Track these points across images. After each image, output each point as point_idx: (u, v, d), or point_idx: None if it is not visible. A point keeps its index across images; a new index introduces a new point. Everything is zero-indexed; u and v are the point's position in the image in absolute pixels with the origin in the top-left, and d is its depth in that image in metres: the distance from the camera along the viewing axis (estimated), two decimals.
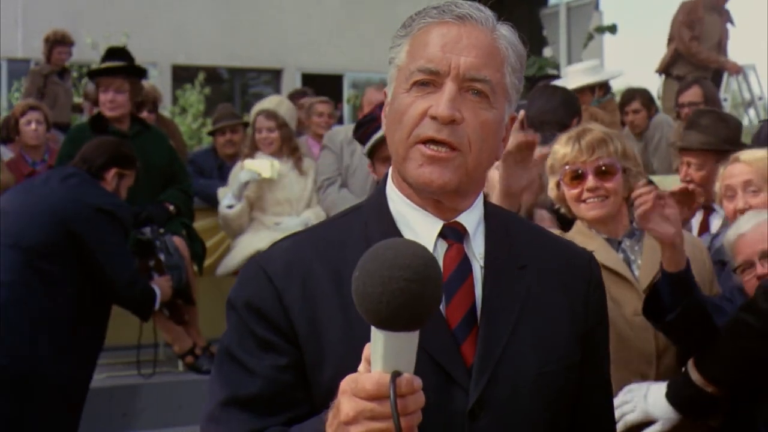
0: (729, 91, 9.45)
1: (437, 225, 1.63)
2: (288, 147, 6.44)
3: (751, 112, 10.21)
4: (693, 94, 7.03)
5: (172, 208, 6.10)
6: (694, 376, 2.82)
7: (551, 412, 1.63)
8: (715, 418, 2.91)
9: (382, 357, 1.31)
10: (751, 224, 3.06)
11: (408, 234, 1.62)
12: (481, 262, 1.64)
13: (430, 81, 1.59)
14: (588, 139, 3.04)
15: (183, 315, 6.04)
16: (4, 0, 14.92)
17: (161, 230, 5.91)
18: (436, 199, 1.62)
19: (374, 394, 1.31)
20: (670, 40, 9.20)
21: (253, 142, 6.49)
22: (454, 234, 1.64)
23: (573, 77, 7.21)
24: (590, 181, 3.02)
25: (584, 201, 3.04)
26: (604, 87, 6.98)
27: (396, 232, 1.62)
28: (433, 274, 1.30)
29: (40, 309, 4.31)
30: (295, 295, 1.58)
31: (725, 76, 9.36)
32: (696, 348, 2.88)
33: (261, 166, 6.22)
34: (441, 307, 1.58)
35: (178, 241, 5.92)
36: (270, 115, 6.45)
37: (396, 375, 1.29)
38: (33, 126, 7.43)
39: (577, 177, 3.04)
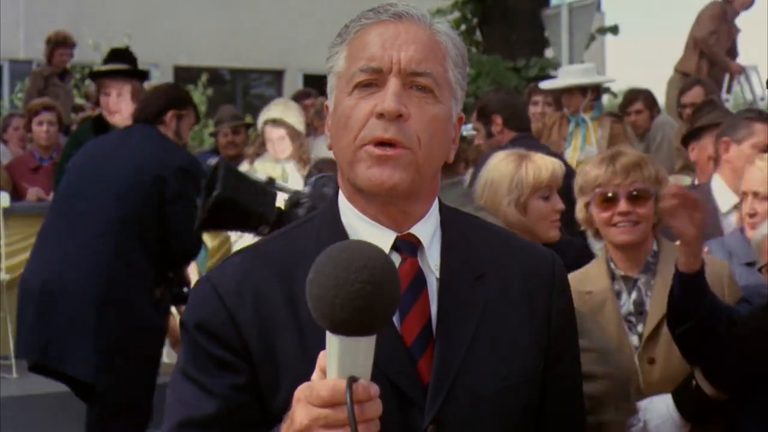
0: (731, 92, 9.45)
1: (390, 238, 1.58)
2: (297, 151, 6.45)
3: None
4: (695, 94, 7.04)
5: None
6: (707, 389, 2.77)
7: (512, 427, 1.59)
8: (716, 424, 2.87)
9: (337, 363, 1.27)
10: None
11: None
12: (437, 274, 1.59)
13: (372, 81, 1.55)
14: (623, 162, 2.98)
15: None
16: (5, 1, 14.93)
17: None
18: (388, 205, 1.57)
19: (329, 400, 1.27)
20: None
21: (260, 145, 6.49)
22: (407, 247, 1.59)
23: (565, 77, 7.22)
24: (622, 205, 2.95)
25: (615, 225, 2.98)
26: (596, 91, 7.01)
27: None
28: (389, 276, 1.27)
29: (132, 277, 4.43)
30: (248, 314, 1.54)
31: (726, 77, 9.36)
32: (703, 363, 2.83)
33: (273, 173, 6.24)
34: (396, 324, 1.54)
35: None
36: (277, 123, 6.44)
37: (352, 380, 1.25)
38: (44, 127, 7.52)
39: (609, 200, 2.98)
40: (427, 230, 1.61)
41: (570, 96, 6.94)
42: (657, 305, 2.92)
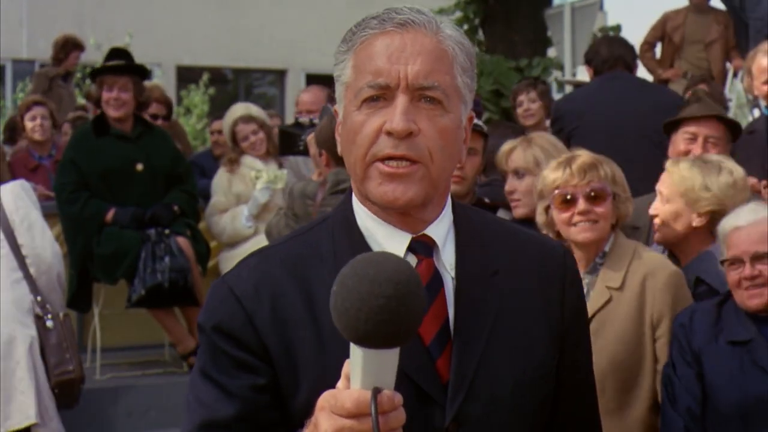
0: (734, 92, 9.42)
1: (405, 240, 1.58)
2: (272, 146, 6.48)
3: (756, 111, 10.19)
4: None
5: (176, 208, 6.10)
6: None
7: (530, 421, 1.61)
8: None
9: (361, 374, 1.28)
10: (750, 219, 2.97)
11: (376, 249, 1.57)
12: (453, 273, 1.60)
13: (380, 95, 1.54)
14: (579, 163, 3.11)
15: None
16: (8, 1, 14.95)
17: (166, 231, 5.91)
18: (403, 214, 1.58)
19: (354, 411, 1.28)
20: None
21: (238, 150, 6.52)
22: (423, 248, 1.59)
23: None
24: (581, 204, 3.08)
25: (574, 224, 3.10)
26: None
27: (365, 248, 1.57)
28: (414, 290, 1.26)
29: None
30: (266, 316, 1.55)
31: (729, 75, 9.32)
32: None
33: (275, 179, 6.27)
34: None
35: (183, 242, 5.92)
36: (247, 119, 6.50)
37: (377, 391, 1.26)
38: (38, 121, 7.50)
39: (568, 201, 3.10)
40: (441, 230, 1.62)
41: None
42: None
